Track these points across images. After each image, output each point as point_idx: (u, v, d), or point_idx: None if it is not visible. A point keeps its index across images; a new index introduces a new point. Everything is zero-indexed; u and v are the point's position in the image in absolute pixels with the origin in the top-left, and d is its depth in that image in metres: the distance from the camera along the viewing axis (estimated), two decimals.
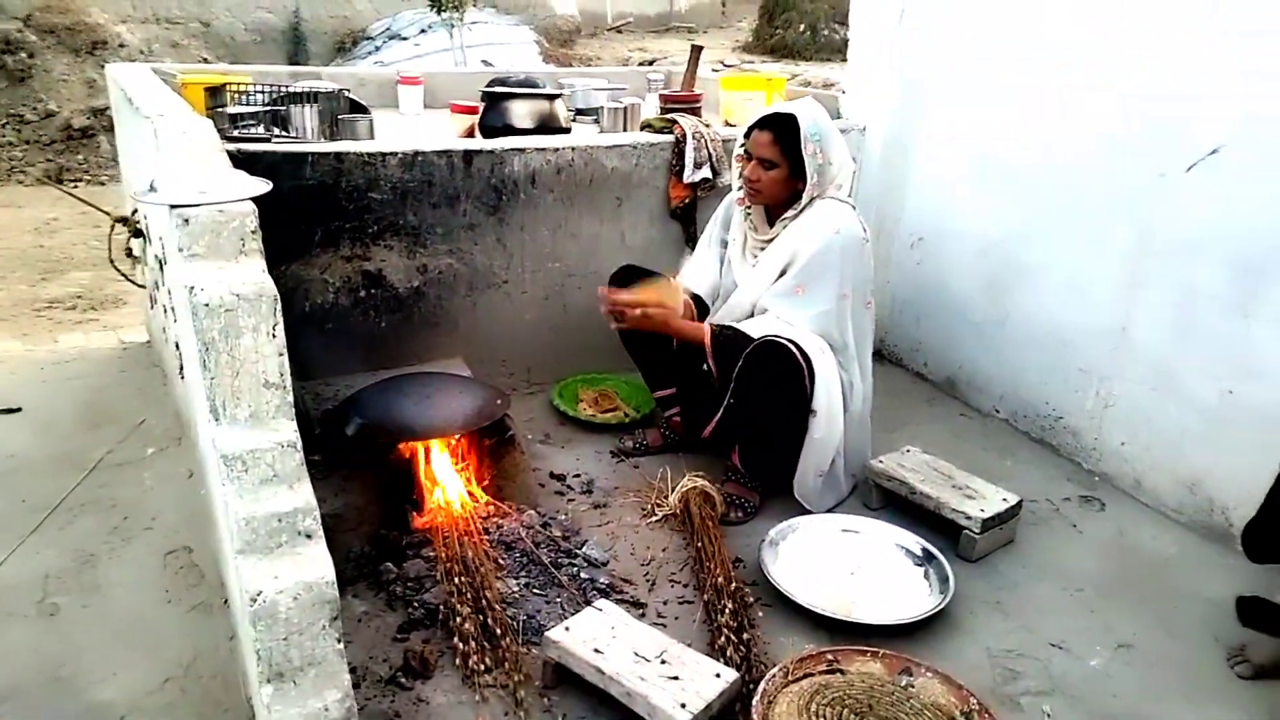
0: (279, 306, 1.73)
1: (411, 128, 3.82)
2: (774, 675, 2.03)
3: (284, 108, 3.04)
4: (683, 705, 1.90)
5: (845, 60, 3.96)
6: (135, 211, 3.07)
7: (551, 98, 3.44)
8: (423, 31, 12.21)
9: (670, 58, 13.51)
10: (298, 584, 1.63)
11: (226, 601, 2.30)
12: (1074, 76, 3.06)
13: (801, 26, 15.17)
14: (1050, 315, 3.24)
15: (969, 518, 2.62)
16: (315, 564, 1.68)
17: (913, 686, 2.06)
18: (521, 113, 3.36)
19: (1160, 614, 2.47)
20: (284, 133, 3.01)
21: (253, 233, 1.80)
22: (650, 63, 12.80)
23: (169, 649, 2.20)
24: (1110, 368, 3.04)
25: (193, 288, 1.67)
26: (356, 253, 2.97)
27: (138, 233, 3.06)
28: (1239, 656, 2.30)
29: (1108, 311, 3.02)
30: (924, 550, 2.55)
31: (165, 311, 2.79)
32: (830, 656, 2.13)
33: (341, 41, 12.52)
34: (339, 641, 1.68)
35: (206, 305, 1.67)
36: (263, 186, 1.89)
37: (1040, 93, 3.18)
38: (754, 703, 1.95)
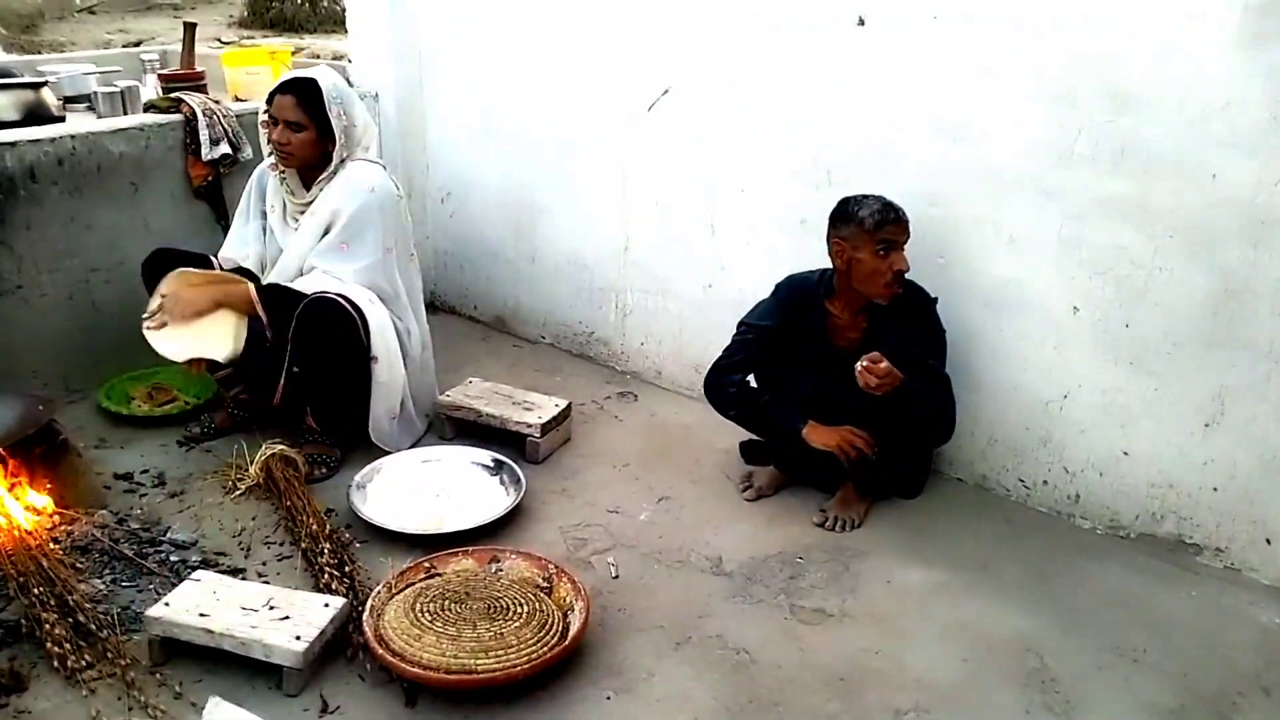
0: None
1: None
2: (379, 592, 2.24)
3: None
4: (297, 637, 2.05)
5: (349, 31, 4.10)
6: None
7: (36, 86, 3.21)
8: None
9: (159, 38, 12.46)
10: None
11: None
12: (554, 37, 3.51)
13: None
14: (569, 246, 3.72)
15: (530, 426, 3.00)
16: None
17: (501, 569, 2.39)
18: (4, 104, 3.09)
19: (687, 470, 3.03)
20: None
21: None
22: (137, 44, 11.72)
23: None
24: (622, 282, 3.59)
25: None
26: None
27: None
28: (745, 484, 2.92)
29: (610, 236, 3.56)
30: (494, 460, 2.88)
31: None
32: (428, 564, 2.38)
33: None
34: None
35: None
36: None
37: (528, 53, 3.60)
38: (364, 619, 2.14)
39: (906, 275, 2.62)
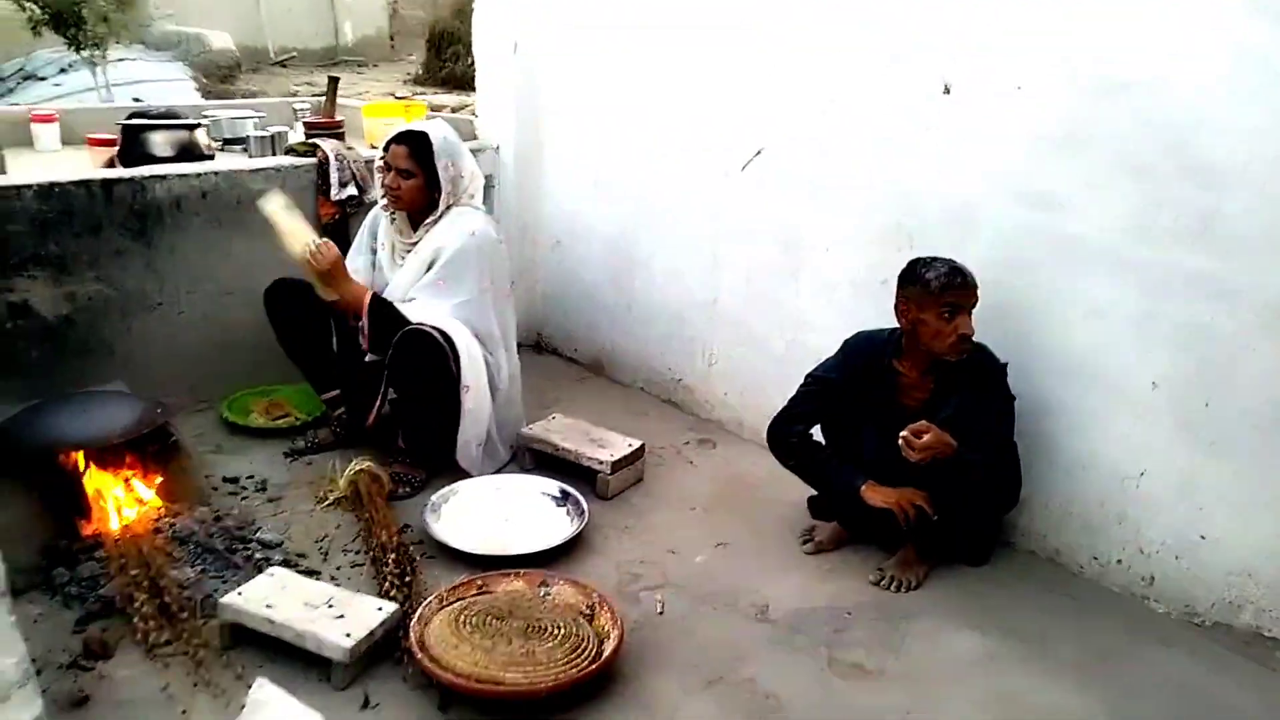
0: None
1: (49, 163, 3.81)
2: (430, 602, 2.39)
3: None
4: (347, 634, 2.21)
5: (476, 89, 4.42)
6: None
7: (191, 127, 3.61)
8: (63, 71, 11.41)
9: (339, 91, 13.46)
10: None
11: None
12: (658, 100, 3.69)
13: (469, 59, 15.56)
14: (662, 296, 3.85)
15: (601, 462, 3.12)
16: None
17: (549, 593, 2.49)
18: (160, 142, 3.50)
19: (752, 519, 3.07)
20: None
21: None
22: (321, 96, 12.68)
23: None
24: (709, 333, 3.70)
25: None
26: None
27: None
28: (806, 538, 2.94)
29: (701, 288, 3.67)
30: (562, 491, 3.01)
31: None
32: (480, 582, 2.52)
33: None
34: (9, 613, 1.82)
35: None
36: None
37: (634, 112, 3.80)
38: (411, 625, 2.29)
39: (979, 340, 2.62)
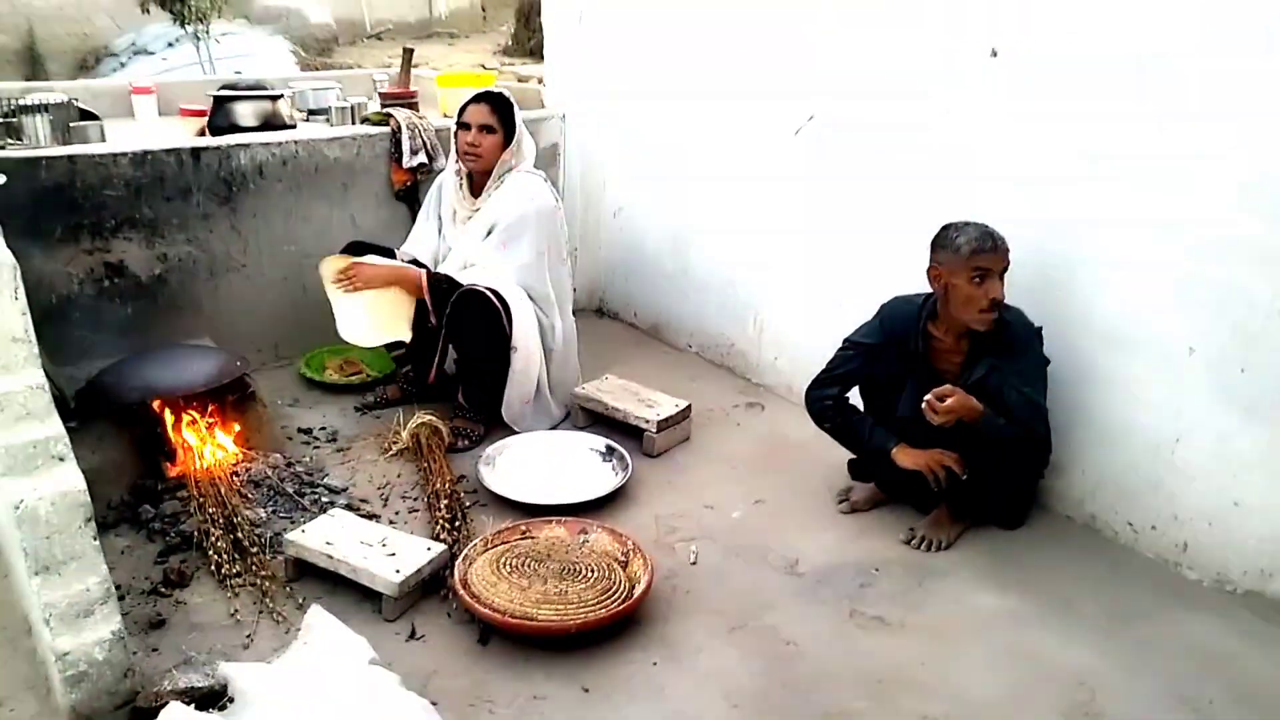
0: (18, 273, 2.09)
1: (144, 132, 4.10)
2: (475, 544, 2.57)
3: (16, 119, 3.30)
4: (397, 571, 2.40)
5: (545, 59, 4.55)
6: None
7: (274, 98, 3.83)
8: (170, 45, 11.97)
9: (430, 63, 13.81)
10: (54, 493, 2.00)
11: None
12: (710, 71, 3.76)
13: None
14: (718, 262, 3.95)
15: (648, 421, 3.26)
16: (69, 478, 2.05)
17: (587, 540, 2.65)
18: (246, 112, 3.73)
19: (792, 479, 3.17)
20: (17, 141, 3.27)
21: None
22: (415, 66, 13.01)
23: None
24: (762, 299, 3.78)
25: None
26: (97, 245, 3.27)
27: None
28: (842, 497, 3.03)
29: (755, 253, 3.75)
30: (608, 447, 3.16)
31: None
32: (524, 527, 2.68)
33: (84, 59, 12.11)
34: (95, 539, 2.05)
35: None
36: None
37: (692, 80, 3.87)
38: (456, 564, 2.48)
39: (1015, 304, 2.66)
